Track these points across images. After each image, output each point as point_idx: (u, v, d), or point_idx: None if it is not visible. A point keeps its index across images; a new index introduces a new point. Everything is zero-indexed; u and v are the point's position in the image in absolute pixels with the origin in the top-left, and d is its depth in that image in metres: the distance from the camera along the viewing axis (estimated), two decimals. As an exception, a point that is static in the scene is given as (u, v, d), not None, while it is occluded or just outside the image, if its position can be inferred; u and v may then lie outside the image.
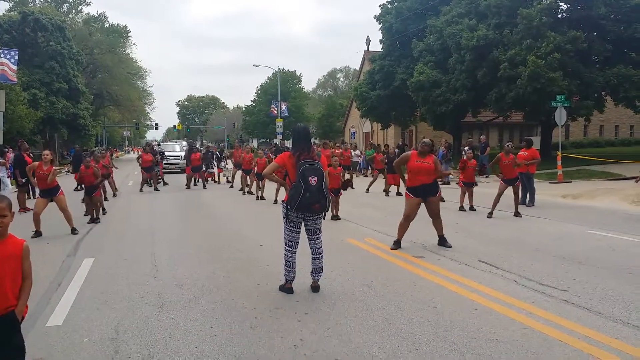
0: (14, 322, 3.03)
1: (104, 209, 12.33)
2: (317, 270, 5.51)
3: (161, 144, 39.34)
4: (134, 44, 71.86)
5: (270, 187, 15.38)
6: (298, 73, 68.19)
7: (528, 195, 12.58)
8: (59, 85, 39.08)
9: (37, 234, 9.24)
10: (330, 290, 5.54)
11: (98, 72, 58.52)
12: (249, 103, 72.40)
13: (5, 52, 23.94)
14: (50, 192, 9.50)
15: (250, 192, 16.48)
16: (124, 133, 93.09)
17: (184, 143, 36.77)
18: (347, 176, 17.64)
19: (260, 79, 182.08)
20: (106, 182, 14.51)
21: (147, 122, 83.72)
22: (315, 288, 5.50)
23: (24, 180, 13.44)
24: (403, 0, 32.05)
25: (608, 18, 21.92)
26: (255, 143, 66.52)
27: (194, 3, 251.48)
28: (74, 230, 9.55)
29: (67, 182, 16.67)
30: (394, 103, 32.36)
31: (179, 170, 28.04)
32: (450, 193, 14.93)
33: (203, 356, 3.90)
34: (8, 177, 15.27)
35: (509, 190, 11.03)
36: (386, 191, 15.90)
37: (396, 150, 19.97)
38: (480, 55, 23.39)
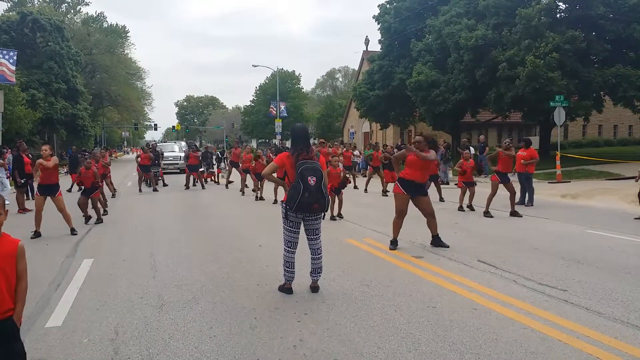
0: (14, 328, 2.95)
1: (105, 210, 12.30)
2: (316, 271, 5.51)
3: (159, 144, 39.30)
4: (132, 44, 71.96)
5: (269, 187, 15.37)
6: (297, 73, 68.28)
7: (527, 195, 12.59)
8: (57, 86, 39.04)
9: (37, 234, 9.24)
10: (330, 290, 5.54)
11: (97, 73, 58.48)
12: (248, 103, 72.47)
13: (4, 52, 23.92)
14: (50, 190, 9.48)
15: (255, 192, 16.17)
16: (123, 133, 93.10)
17: (183, 143, 36.74)
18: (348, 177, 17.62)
19: (259, 79, 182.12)
20: (105, 183, 14.49)
21: (146, 123, 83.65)
22: (314, 288, 5.50)
23: (22, 181, 13.43)
24: (402, 0, 32.06)
25: (607, 18, 21.95)
26: (254, 143, 66.56)
27: (192, 3, 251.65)
28: (73, 231, 9.54)
29: (64, 182, 16.62)
30: (392, 103, 32.37)
31: (178, 170, 28.03)
32: (450, 193, 14.94)
33: (203, 356, 3.90)
34: (7, 178, 15.26)
35: (504, 190, 11.07)
36: (384, 191, 15.90)
37: (395, 150, 19.96)
38: (479, 55, 23.42)
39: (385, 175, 15.85)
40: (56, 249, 8.16)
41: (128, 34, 60.81)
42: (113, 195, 16.12)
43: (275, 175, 5.82)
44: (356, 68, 55.30)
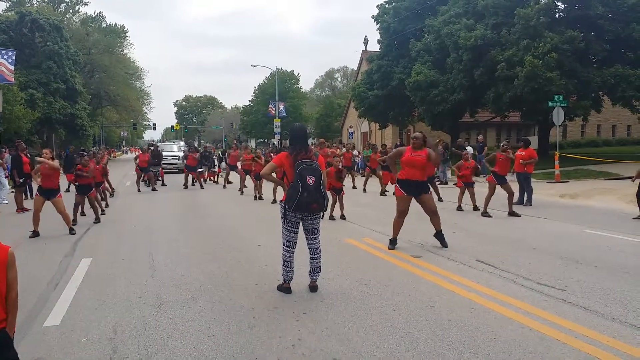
0: (7, 338, 2.79)
1: (102, 210, 12.28)
2: (315, 270, 5.51)
3: (158, 144, 39.26)
4: (131, 44, 71.93)
5: (268, 186, 15.36)
6: (296, 73, 68.23)
7: (526, 194, 12.60)
8: (56, 86, 39.00)
9: (35, 234, 9.22)
10: (328, 289, 5.54)
11: (95, 72, 58.44)
12: (247, 103, 72.41)
13: (3, 52, 23.92)
14: (49, 193, 9.48)
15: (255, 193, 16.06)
16: (122, 133, 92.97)
17: (182, 143, 36.69)
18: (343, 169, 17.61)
19: (258, 79, 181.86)
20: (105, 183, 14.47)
21: (145, 122, 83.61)
22: (313, 288, 5.50)
23: (21, 181, 13.43)
24: (401, 0, 32.07)
25: (605, 18, 21.95)
26: (253, 143, 66.54)
27: (192, 3, 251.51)
28: (71, 231, 9.54)
29: (62, 182, 16.60)
30: (391, 103, 32.36)
31: (177, 170, 28.03)
32: (448, 193, 14.95)
33: (201, 356, 3.90)
34: (6, 178, 15.25)
35: (502, 190, 11.08)
36: (383, 191, 15.91)
37: (393, 150, 19.97)
38: (478, 55, 23.42)
39: (384, 176, 15.86)
40: (55, 249, 8.15)
41: (127, 34, 60.81)
42: (111, 195, 16.10)
43: (274, 175, 5.82)
44: (355, 68, 55.30)
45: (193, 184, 20.05)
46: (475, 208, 11.70)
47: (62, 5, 55.27)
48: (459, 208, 11.94)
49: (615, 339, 4.08)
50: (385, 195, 15.59)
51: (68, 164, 18.36)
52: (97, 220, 10.90)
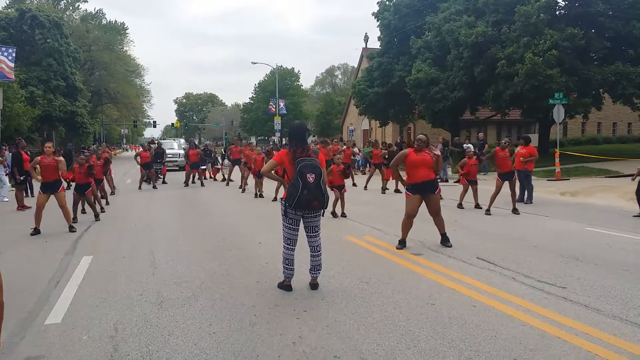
0: None
1: (102, 208, 12.27)
2: (315, 268, 5.51)
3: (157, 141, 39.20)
4: (131, 41, 71.53)
5: (268, 184, 15.36)
6: (296, 70, 68.13)
7: (526, 192, 12.61)
8: (56, 83, 38.99)
9: (36, 231, 9.22)
10: (329, 287, 5.55)
11: (96, 70, 58.42)
12: (247, 100, 72.32)
13: (3, 49, 23.85)
14: (52, 187, 9.47)
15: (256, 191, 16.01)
16: (122, 131, 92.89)
17: (182, 141, 36.64)
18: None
19: (258, 77, 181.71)
20: (105, 181, 14.47)
21: (145, 120, 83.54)
22: (314, 285, 5.50)
23: (22, 178, 13.43)
24: (401, -3, 32.03)
25: (606, 15, 21.92)
26: (253, 140, 66.47)
27: (191, 1, 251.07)
28: (71, 228, 9.54)
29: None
30: (392, 100, 32.34)
31: (177, 167, 28.02)
32: (449, 191, 14.95)
33: (202, 353, 3.90)
34: (6, 175, 15.25)
35: (506, 187, 11.10)
36: (383, 188, 15.91)
37: (394, 147, 19.98)
38: (479, 53, 23.39)
39: (387, 173, 15.83)
40: (55, 246, 8.15)
41: (127, 31, 60.79)
42: (112, 193, 16.11)
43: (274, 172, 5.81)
44: (355, 65, 55.28)
45: (193, 182, 20.04)
46: (477, 206, 11.70)
47: (62, 2, 55.25)
48: (460, 206, 11.94)
49: (615, 337, 4.08)
50: (385, 193, 15.60)
51: (66, 161, 18.34)
52: (97, 219, 10.90)
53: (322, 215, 5.56)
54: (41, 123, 38.14)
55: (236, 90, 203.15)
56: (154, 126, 74.05)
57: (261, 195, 15.00)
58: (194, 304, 5.08)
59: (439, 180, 13.85)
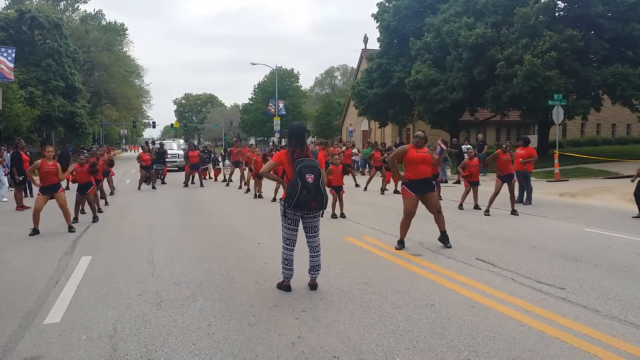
0: None
1: (100, 209, 12.25)
2: (314, 268, 5.51)
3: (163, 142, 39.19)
4: (131, 42, 71.86)
5: (268, 185, 15.36)
6: (296, 71, 68.21)
7: (525, 193, 12.61)
8: (56, 83, 38.98)
9: (35, 231, 9.21)
10: (328, 288, 5.55)
11: (95, 70, 58.44)
12: (247, 101, 72.36)
13: (2, 50, 23.88)
14: (52, 189, 9.47)
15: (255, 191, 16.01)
16: (122, 131, 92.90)
17: (181, 141, 36.64)
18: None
19: (257, 77, 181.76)
20: (104, 181, 14.47)
21: (145, 121, 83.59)
22: (313, 286, 5.50)
23: (20, 178, 13.42)
24: (401, -2, 32.07)
25: (605, 16, 21.96)
26: (252, 141, 66.53)
27: (191, 1, 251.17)
28: (71, 228, 9.53)
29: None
30: (391, 101, 32.36)
31: (176, 168, 28.02)
32: (449, 191, 14.96)
33: (201, 353, 3.90)
34: (5, 175, 15.24)
35: (505, 189, 11.10)
36: (383, 189, 15.92)
37: (394, 148, 19.97)
38: (478, 54, 23.41)
39: (387, 175, 15.85)
40: (54, 246, 8.14)
41: (126, 32, 60.81)
42: (112, 193, 16.10)
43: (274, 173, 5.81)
44: (355, 66, 55.31)
45: (193, 182, 20.04)
46: (477, 207, 11.70)
47: (62, 3, 55.25)
48: (461, 207, 11.93)
49: (614, 338, 4.08)
50: (384, 194, 15.61)
51: (63, 162, 18.35)
52: (95, 219, 10.88)
53: (322, 216, 5.56)
54: (40, 123, 38.12)
55: (235, 91, 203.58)
56: (153, 127, 74.11)
57: (260, 196, 15.00)
58: (193, 304, 5.08)
59: (439, 180, 13.90)
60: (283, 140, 45.35)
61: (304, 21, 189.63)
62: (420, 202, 7.49)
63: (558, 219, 10.22)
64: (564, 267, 6.34)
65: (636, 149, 30.16)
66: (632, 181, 10.97)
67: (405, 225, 7.57)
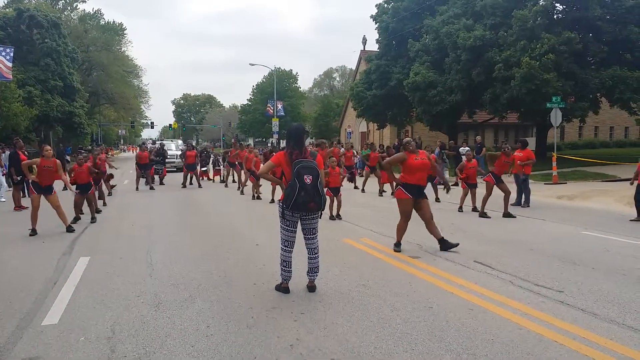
0: None
1: (98, 209, 12.23)
2: (313, 270, 5.51)
3: (157, 142, 39.15)
4: (129, 41, 71.77)
5: (267, 186, 15.36)
6: (294, 72, 68.27)
7: (523, 196, 12.63)
8: (54, 83, 38.90)
9: (34, 232, 9.20)
10: (327, 290, 5.55)
11: (94, 70, 58.35)
12: (245, 102, 72.41)
13: (1, 49, 23.86)
14: (45, 190, 9.46)
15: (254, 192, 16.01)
16: (120, 131, 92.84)
17: (180, 142, 36.60)
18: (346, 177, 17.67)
19: (256, 78, 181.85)
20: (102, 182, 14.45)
21: (143, 121, 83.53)
22: (311, 288, 5.50)
23: (19, 178, 13.40)
24: (400, 0, 32.08)
25: (604, 19, 22.01)
26: (251, 142, 66.55)
27: (190, 1, 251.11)
28: (69, 228, 9.52)
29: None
30: (390, 103, 32.37)
31: (175, 169, 28.00)
32: (446, 194, 14.95)
33: (199, 355, 3.90)
34: (3, 175, 15.21)
35: (497, 190, 11.10)
36: (380, 191, 15.93)
37: (392, 149, 19.99)
38: (476, 56, 23.45)
39: (382, 175, 15.87)
40: (53, 247, 8.13)
41: (125, 32, 60.72)
42: (109, 194, 16.08)
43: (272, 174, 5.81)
44: (353, 67, 55.34)
45: (191, 183, 20.02)
46: (475, 209, 11.71)
47: (61, 2, 55.13)
48: (460, 209, 11.94)
49: (612, 341, 4.09)
50: (382, 195, 15.61)
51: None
52: (93, 220, 10.87)
53: (320, 217, 5.56)
54: (39, 123, 38.03)
55: (234, 92, 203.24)
56: (152, 127, 74.15)
57: (259, 197, 14.99)
58: (191, 305, 5.07)
59: (436, 182, 13.92)
60: (282, 141, 45.37)
61: (304, 21, 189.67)
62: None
63: (556, 222, 10.24)
64: (562, 270, 6.35)
65: (634, 152, 30.21)
66: (631, 184, 11.00)
67: (402, 228, 7.57)
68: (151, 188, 18.63)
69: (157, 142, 30.71)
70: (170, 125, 78.84)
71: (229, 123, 79.95)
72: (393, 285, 5.70)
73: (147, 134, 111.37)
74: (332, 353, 3.91)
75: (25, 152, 14.84)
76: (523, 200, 12.59)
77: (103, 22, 58.25)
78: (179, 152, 28.10)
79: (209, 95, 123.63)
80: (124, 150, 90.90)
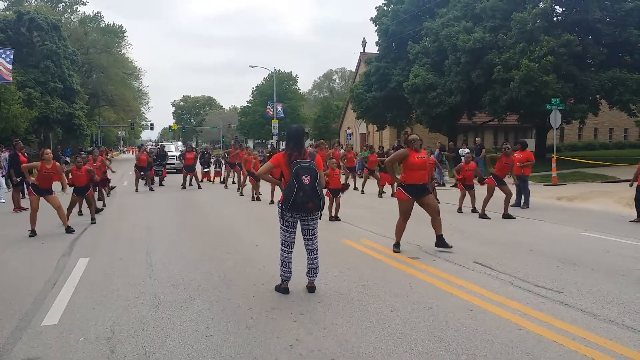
0: None
1: (97, 209, 12.21)
2: (312, 271, 5.51)
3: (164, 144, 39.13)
4: (129, 44, 72.01)
5: (266, 187, 15.36)
6: (294, 74, 68.33)
7: (523, 197, 12.63)
8: (54, 85, 38.96)
9: (33, 233, 9.19)
10: (326, 290, 5.55)
11: (93, 72, 58.44)
12: (245, 104, 72.44)
13: (1, 51, 23.90)
14: (44, 192, 9.46)
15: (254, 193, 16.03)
16: (119, 133, 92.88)
17: (179, 143, 36.61)
18: (349, 180, 17.67)
19: (256, 80, 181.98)
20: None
21: (143, 122, 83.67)
22: (311, 288, 5.50)
23: (18, 180, 13.40)
24: (399, 2, 32.12)
25: (603, 22, 22.04)
26: (250, 144, 66.55)
27: (191, 3, 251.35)
28: (69, 229, 9.51)
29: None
30: (389, 105, 32.42)
31: (175, 170, 28.00)
32: (446, 195, 14.98)
33: (199, 356, 3.89)
34: (2, 177, 15.21)
35: (498, 192, 11.10)
36: (380, 192, 15.94)
37: (391, 151, 19.98)
38: (476, 58, 23.48)
39: (381, 177, 15.88)
40: (52, 248, 8.13)
41: (125, 34, 60.82)
42: (108, 195, 16.07)
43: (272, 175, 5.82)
44: (353, 69, 55.42)
45: (190, 184, 20.02)
46: (474, 210, 11.72)
47: (61, 4, 55.25)
48: (459, 210, 11.95)
49: (612, 342, 4.09)
50: (382, 196, 15.61)
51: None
52: (93, 221, 10.86)
53: (320, 218, 5.56)
54: (38, 125, 38.09)
55: (234, 93, 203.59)
56: (152, 129, 74.31)
57: (258, 198, 14.99)
58: (190, 306, 5.07)
59: (435, 183, 13.94)
60: (282, 143, 45.40)
61: (304, 22, 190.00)
62: (418, 205, 7.50)
63: (555, 223, 10.24)
64: (562, 270, 6.35)
65: (633, 154, 30.24)
66: (631, 185, 11.00)
67: (401, 228, 7.58)
68: (151, 189, 18.64)
69: (158, 143, 30.74)
70: (170, 126, 78.87)
71: (229, 125, 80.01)
72: (392, 285, 5.70)
73: (146, 135, 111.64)
74: (331, 353, 3.91)
75: (25, 154, 14.84)
76: (523, 201, 12.60)
77: (103, 25, 58.38)
78: (179, 154, 28.12)
79: (208, 97, 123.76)
80: (124, 152, 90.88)
